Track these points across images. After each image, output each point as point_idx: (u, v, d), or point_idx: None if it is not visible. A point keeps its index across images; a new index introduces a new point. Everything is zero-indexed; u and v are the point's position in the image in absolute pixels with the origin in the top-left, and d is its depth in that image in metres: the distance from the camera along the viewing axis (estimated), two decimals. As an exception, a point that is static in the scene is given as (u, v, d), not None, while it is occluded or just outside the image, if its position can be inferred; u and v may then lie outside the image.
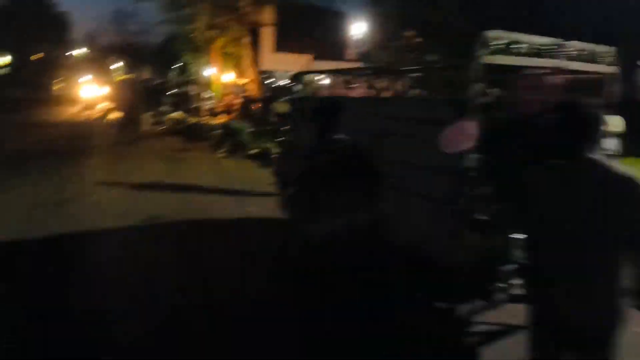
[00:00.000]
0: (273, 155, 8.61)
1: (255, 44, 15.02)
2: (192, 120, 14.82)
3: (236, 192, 7.64)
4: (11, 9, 40.04)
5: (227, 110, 16.09)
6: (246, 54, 14.58)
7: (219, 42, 15.17)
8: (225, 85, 18.93)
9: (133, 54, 54.80)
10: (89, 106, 22.90)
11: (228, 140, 10.27)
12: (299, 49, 18.90)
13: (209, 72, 20.29)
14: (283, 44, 20.38)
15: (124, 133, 12.29)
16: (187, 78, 25.64)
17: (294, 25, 18.12)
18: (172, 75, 31.29)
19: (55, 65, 48.28)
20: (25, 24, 39.85)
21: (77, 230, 5.68)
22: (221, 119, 15.11)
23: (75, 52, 56.07)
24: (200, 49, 17.28)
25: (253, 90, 16.27)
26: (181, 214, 6.41)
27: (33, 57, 41.85)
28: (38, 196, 7.08)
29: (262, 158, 9.46)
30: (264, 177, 7.29)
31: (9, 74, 40.70)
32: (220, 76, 18.72)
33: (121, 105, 16.52)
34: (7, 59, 38.64)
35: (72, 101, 28.59)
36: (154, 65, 58.08)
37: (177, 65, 31.30)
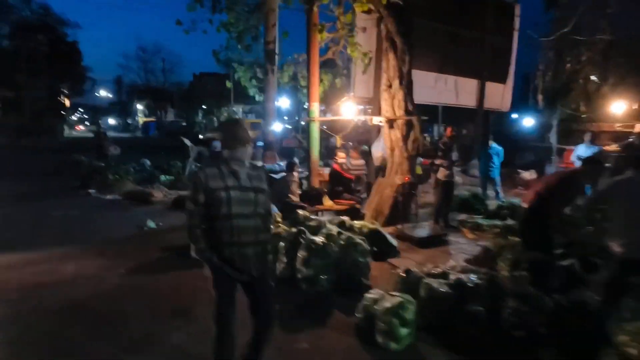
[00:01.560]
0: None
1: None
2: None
3: None
4: (21, 38, 35.05)
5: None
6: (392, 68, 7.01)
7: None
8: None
9: (156, 94, 52.62)
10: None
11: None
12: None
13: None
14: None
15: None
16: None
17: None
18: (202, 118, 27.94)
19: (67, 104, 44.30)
20: (34, 57, 34.41)
21: None
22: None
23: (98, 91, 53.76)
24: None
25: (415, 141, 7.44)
26: None
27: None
28: None
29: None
30: None
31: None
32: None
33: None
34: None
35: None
36: (179, 107, 55.81)
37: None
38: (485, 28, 11.02)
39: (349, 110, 7.19)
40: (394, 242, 5.75)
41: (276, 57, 8.80)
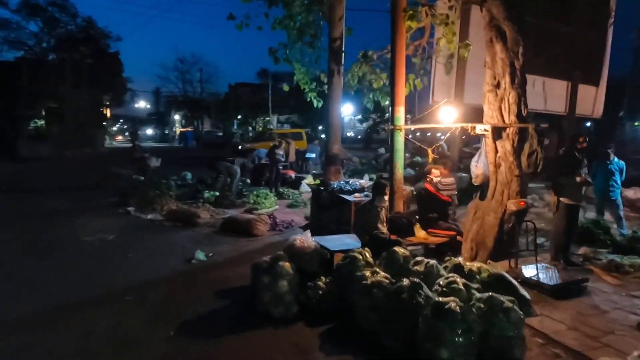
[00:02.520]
0: None
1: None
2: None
3: None
4: (65, 50, 35.34)
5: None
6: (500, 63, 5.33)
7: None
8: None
9: (193, 105, 52.79)
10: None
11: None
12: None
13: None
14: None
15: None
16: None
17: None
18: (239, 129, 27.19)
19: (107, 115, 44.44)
20: (77, 68, 34.46)
21: None
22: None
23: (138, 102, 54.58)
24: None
25: (531, 155, 5.74)
26: None
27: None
28: None
29: None
30: None
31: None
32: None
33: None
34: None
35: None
36: (215, 117, 55.86)
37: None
38: (578, 22, 9.35)
39: (448, 117, 5.74)
40: (526, 293, 4.23)
41: (343, 55, 7.49)
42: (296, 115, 50.93)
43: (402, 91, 5.83)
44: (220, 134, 51.87)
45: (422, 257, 4.37)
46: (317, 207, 7.46)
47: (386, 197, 5.22)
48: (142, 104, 60.91)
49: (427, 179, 5.62)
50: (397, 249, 4.39)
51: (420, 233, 5.37)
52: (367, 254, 4.43)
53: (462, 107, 7.70)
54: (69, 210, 9.44)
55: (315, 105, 8.43)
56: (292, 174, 13.85)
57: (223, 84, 77.58)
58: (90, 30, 37.23)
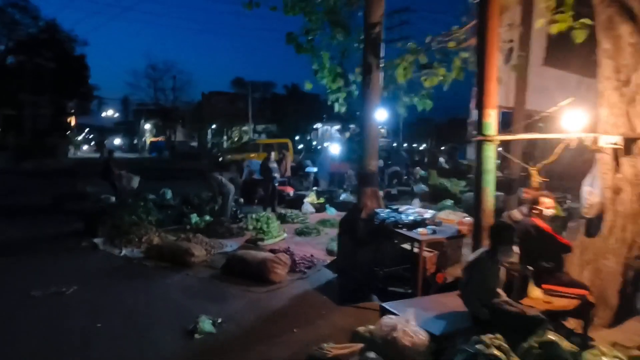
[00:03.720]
0: None
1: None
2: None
3: None
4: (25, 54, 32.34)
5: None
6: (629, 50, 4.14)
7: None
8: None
9: (165, 114, 49.98)
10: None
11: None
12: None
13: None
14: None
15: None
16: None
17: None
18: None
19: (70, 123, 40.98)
20: (38, 73, 31.50)
21: None
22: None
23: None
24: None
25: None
26: None
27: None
28: None
29: None
30: None
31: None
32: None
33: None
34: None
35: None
36: (189, 126, 53.15)
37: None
38: None
39: (572, 123, 4.10)
40: None
41: (382, 45, 5.80)
42: (275, 125, 49.03)
43: (494, 88, 4.18)
44: (195, 144, 49.33)
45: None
46: (350, 242, 5.70)
47: (514, 248, 3.51)
48: (110, 113, 57.48)
49: (534, 211, 3.94)
50: (553, 337, 2.67)
51: (535, 292, 3.67)
52: (502, 344, 2.69)
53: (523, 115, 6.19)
54: (16, 245, 7.28)
55: (336, 110, 6.69)
56: (291, 191, 12.02)
57: (196, 92, 74.73)
58: (54, 34, 34.41)
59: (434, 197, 11.69)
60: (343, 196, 11.50)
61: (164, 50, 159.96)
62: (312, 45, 5.83)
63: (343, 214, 10.65)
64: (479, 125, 4.22)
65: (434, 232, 4.66)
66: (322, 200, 11.17)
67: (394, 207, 5.43)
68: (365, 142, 5.90)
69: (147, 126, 60.83)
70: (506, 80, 5.78)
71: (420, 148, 35.83)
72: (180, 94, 50.15)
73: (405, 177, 14.17)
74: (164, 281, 5.45)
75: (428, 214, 5.09)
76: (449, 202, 10.28)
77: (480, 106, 4.21)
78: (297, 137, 38.05)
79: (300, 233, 8.19)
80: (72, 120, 42.84)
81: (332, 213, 10.65)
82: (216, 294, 4.98)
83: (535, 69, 6.16)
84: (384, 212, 5.21)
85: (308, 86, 6.21)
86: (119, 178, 10.62)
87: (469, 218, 5.06)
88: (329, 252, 6.72)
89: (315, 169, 12.89)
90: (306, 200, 11.01)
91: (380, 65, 5.84)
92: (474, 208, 4.28)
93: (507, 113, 6.10)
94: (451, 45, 5.19)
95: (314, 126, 53.10)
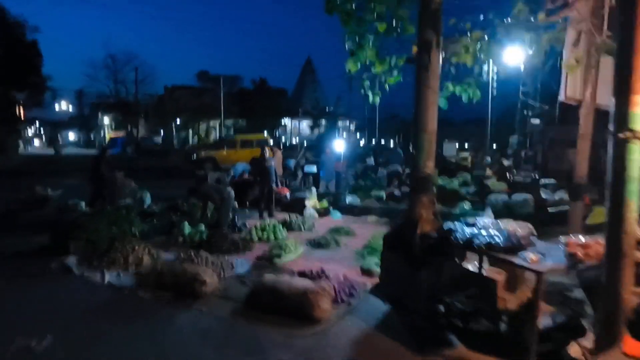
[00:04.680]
0: None
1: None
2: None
3: None
4: None
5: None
6: None
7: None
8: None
9: (126, 107, 46.88)
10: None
11: None
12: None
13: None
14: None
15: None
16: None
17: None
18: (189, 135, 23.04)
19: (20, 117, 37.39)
20: None
21: None
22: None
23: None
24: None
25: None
26: None
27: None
28: None
29: None
30: None
31: None
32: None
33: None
34: None
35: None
36: (151, 121, 50.20)
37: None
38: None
39: None
40: None
41: (441, 20, 4.65)
42: (244, 121, 47.11)
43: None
44: (159, 140, 46.63)
45: None
46: (402, 262, 4.56)
47: None
48: (64, 106, 53.48)
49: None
50: None
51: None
52: None
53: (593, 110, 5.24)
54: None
55: (371, 100, 5.52)
56: (287, 193, 10.74)
57: (159, 85, 70.90)
58: (1, 18, 31.08)
59: (441, 200, 10.73)
60: (349, 199, 10.33)
61: (125, 40, 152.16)
62: (359, 17, 4.60)
63: (349, 218, 9.58)
64: (618, 117, 3.19)
65: (544, 256, 3.58)
66: (324, 204, 9.97)
67: (469, 221, 4.30)
68: (421, 137, 4.75)
69: (106, 121, 57.16)
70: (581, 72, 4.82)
71: (391, 146, 35.18)
72: (142, 87, 47.15)
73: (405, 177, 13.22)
74: (173, 324, 4.09)
75: (522, 232, 3.99)
76: (467, 205, 9.33)
77: (621, 92, 3.17)
78: (265, 133, 36.56)
79: (316, 245, 6.96)
80: (22, 113, 39.27)
81: (337, 218, 9.47)
82: (250, 343, 3.70)
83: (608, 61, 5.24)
84: (459, 228, 4.09)
85: (353, 68, 4.94)
86: (112, 181, 8.95)
87: (578, 237, 3.96)
88: (365, 272, 5.55)
89: (314, 168, 11.65)
90: (308, 203, 9.78)
91: (440, 44, 4.69)
92: (608, 226, 3.24)
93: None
94: (541, 18, 4.16)
95: (282, 122, 51.31)
